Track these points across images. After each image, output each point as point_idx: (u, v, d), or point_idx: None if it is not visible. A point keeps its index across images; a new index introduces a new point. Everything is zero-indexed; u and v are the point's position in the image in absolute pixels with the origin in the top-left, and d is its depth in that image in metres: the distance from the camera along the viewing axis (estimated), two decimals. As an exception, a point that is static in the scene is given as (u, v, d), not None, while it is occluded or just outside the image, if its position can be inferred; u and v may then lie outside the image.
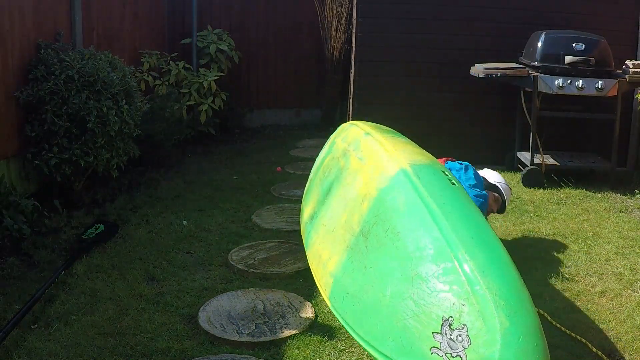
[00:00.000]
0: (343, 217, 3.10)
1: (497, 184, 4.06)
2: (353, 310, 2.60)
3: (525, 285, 2.21)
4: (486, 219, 3.09)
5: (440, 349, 2.09)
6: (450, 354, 2.06)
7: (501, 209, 4.13)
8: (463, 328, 2.06)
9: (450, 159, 4.03)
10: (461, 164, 3.98)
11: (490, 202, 3.96)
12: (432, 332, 2.13)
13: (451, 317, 2.10)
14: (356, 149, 3.50)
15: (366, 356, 2.76)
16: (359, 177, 3.20)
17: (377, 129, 3.72)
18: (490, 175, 4.14)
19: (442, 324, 2.12)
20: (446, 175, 2.90)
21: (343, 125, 4.24)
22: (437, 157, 3.39)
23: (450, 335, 2.08)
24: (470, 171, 3.91)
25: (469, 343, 2.03)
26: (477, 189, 3.81)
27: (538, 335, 2.04)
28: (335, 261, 2.94)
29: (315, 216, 3.55)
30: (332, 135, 4.23)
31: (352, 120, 6.45)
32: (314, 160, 6.56)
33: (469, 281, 2.15)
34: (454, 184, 2.83)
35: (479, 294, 2.10)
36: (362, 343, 2.48)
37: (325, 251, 3.13)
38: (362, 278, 2.63)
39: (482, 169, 4.20)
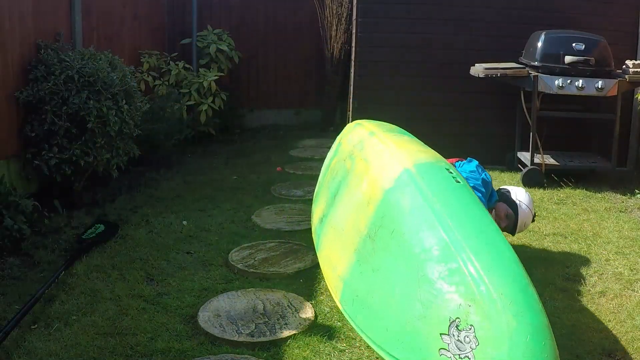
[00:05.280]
0: (350, 220, 3.09)
1: (518, 203, 3.74)
2: (362, 313, 2.60)
3: (532, 284, 2.19)
4: None
5: (449, 350, 2.08)
6: (459, 355, 2.05)
7: (510, 229, 3.76)
8: (470, 329, 2.05)
9: (460, 159, 3.84)
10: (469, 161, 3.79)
11: (498, 213, 3.71)
12: (440, 334, 2.12)
13: (458, 318, 2.09)
14: (361, 150, 3.49)
15: (366, 356, 2.77)
16: (364, 179, 3.18)
17: (381, 128, 3.69)
18: (519, 193, 3.81)
19: (450, 325, 2.11)
20: (450, 172, 2.87)
21: (349, 125, 4.22)
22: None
23: (458, 336, 2.07)
24: (474, 163, 3.71)
25: (477, 344, 2.02)
26: (474, 179, 3.57)
27: (546, 335, 2.03)
28: (344, 264, 2.93)
29: (324, 219, 3.54)
30: (338, 136, 4.21)
31: (353, 119, 6.47)
32: (314, 160, 6.61)
33: (474, 281, 2.13)
34: (458, 181, 2.79)
35: (484, 294, 2.08)
36: (372, 345, 2.48)
37: (335, 254, 3.13)
38: (370, 281, 2.63)
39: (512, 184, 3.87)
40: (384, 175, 2.97)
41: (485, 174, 3.63)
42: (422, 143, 3.49)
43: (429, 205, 2.54)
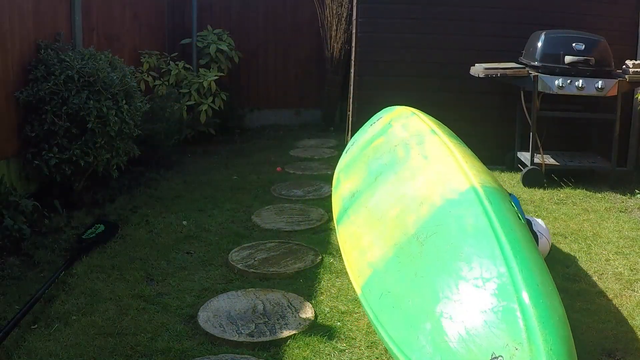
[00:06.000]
0: (394, 212, 3.04)
1: (539, 235, 3.83)
2: (391, 311, 2.57)
3: (574, 347, 2.21)
4: None
5: None
6: None
7: None
8: None
9: None
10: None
11: None
12: None
13: (501, 356, 2.09)
14: (420, 145, 3.42)
15: (366, 356, 2.76)
16: (420, 176, 3.14)
17: (441, 128, 3.64)
18: (539, 225, 3.92)
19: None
20: (513, 206, 2.84)
21: (399, 109, 4.15)
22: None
23: None
24: (515, 200, 3.77)
25: None
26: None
27: None
28: (377, 253, 2.89)
29: (358, 195, 3.50)
30: (383, 114, 4.12)
31: (353, 119, 6.47)
32: (314, 160, 6.61)
33: (527, 328, 2.13)
34: (519, 218, 2.76)
35: (534, 344, 2.08)
36: (392, 345, 2.45)
37: (366, 237, 3.09)
38: (409, 283, 2.59)
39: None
40: (446, 183, 2.91)
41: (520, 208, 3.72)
42: (481, 161, 3.43)
43: (495, 236, 2.49)
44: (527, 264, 2.39)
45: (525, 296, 2.23)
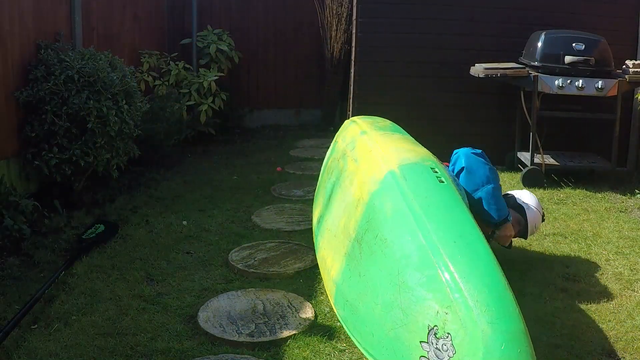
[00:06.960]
0: (342, 223, 3.07)
1: (525, 206, 3.64)
2: (352, 317, 2.60)
3: (510, 289, 2.15)
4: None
5: (429, 358, 2.07)
6: None
7: (522, 233, 3.64)
8: (447, 337, 2.03)
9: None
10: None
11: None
12: (420, 342, 2.10)
13: (436, 325, 2.07)
14: (352, 150, 3.46)
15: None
16: (354, 180, 3.16)
17: (373, 125, 3.65)
18: (524, 196, 3.72)
19: (428, 333, 2.09)
20: (435, 172, 2.82)
21: (345, 122, 4.20)
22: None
23: (436, 344, 2.05)
24: (461, 159, 3.48)
25: (454, 352, 2.00)
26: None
27: (522, 342, 1.99)
28: (336, 268, 2.93)
29: (321, 220, 3.53)
30: (336, 134, 4.19)
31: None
32: (314, 160, 6.61)
33: (450, 289, 2.11)
34: (442, 181, 2.74)
35: (460, 302, 2.06)
36: (362, 350, 2.49)
37: (329, 257, 3.12)
38: (357, 286, 2.62)
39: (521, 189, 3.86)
40: (370, 177, 2.94)
41: (467, 160, 3.44)
42: (413, 140, 3.43)
43: (409, 209, 2.50)
44: (443, 225, 2.37)
45: (443, 257, 2.20)
